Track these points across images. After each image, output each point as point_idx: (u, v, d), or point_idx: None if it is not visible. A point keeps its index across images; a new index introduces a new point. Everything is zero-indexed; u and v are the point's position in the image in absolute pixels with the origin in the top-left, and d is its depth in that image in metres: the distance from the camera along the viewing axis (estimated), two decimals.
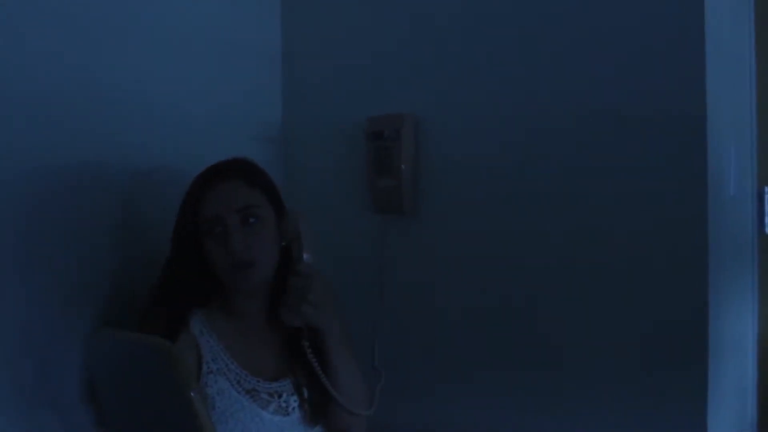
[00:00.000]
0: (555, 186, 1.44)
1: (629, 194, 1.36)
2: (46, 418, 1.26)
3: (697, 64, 1.30)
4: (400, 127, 1.59)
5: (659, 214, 1.33)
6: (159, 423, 1.10)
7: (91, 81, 1.35)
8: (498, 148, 1.51)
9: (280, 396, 1.27)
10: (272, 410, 1.25)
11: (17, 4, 1.22)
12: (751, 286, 1.68)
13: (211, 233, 1.26)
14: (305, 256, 1.28)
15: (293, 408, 1.27)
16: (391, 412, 1.38)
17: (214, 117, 1.62)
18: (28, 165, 1.24)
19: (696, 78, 1.30)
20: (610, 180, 1.38)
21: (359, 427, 1.35)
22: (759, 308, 1.71)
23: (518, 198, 1.48)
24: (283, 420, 1.26)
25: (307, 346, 1.27)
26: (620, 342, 1.37)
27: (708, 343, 1.29)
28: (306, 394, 1.30)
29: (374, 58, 1.69)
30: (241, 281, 1.27)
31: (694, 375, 1.30)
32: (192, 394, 0.97)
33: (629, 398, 1.36)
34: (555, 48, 1.44)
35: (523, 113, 1.48)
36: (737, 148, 1.55)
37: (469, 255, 1.55)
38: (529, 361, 1.47)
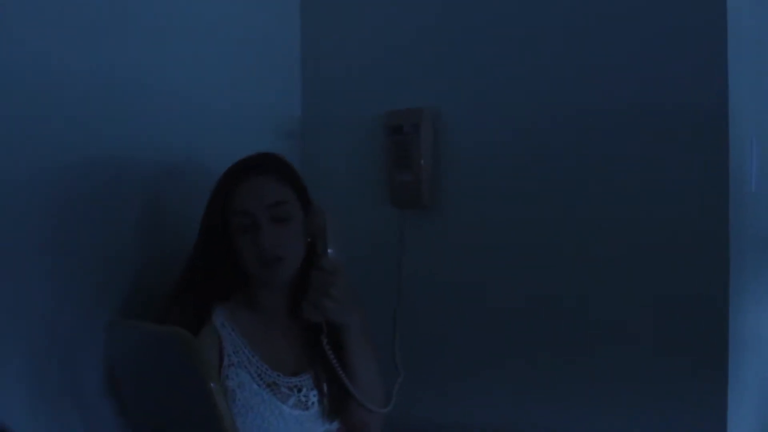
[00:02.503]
0: (574, 179, 1.43)
1: (649, 190, 1.35)
2: (69, 409, 1.28)
3: (718, 57, 1.29)
4: (419, 122, 1.59)
5: (680, 209, 1.32)
6: (179, 414, 1.11)
7: (118, 80, 1.36)
8: (517, 142, 1.51)
9: (300, 390, 1.27)
10: (292, 404, 1.25)
11: (45, 4, 1.24)
12: None
13: (241, 227, 1.27)
14: (329, 251, 1.28)
15: (313, 402, 1.28)
16: (408, 405, 1.39)
17: (235, 113, 1.63)
18: (55, 161, 1.26)
19: (717, 72, 1.29)
20: (628, 174, 1.37)
21: (376, 424, 1.36)
22: None
23: (537, 191, 1.48)
24: (303, 414, 1.26)
25: (325, 342, 1.28)
26: (639, 337, 1.36)
27: (728, 338, 1.29)
28: (326, 389, 1.30)
29: (393, 52, 1.69)
30: (269, 276, 1.28)
31: (715, 370, 1.29)
32: (212, 385, 0.97)
33: (648, 394, 1.35)
34: (574, 39, 1.44)
35: (542, 105, 1.47)
36: (759, 143, 1.53)
37: (488, 249, 1.55)
38: (548, 356, 1.47)
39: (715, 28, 1.29)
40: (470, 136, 1.58)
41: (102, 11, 1.34)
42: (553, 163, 1.46)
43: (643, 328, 1.36)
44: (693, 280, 1.31)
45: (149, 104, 1.43)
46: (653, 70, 1.35)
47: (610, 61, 1.40)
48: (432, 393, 1.60)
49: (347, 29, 1.78)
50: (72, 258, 1.29)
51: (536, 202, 1.48)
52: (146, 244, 1.42)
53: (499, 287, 1.53)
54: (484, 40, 1.55)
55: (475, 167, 1.57)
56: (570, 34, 1.44)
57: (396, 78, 1.68)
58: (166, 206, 1.47)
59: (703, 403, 1.30)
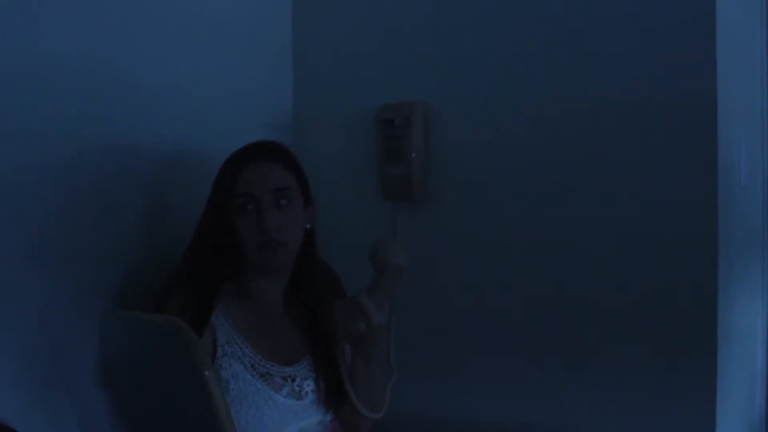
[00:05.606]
0: (564, 173, 1.44)
1: (639, 185, 1.36)
2: (61, 400, 1.28)
3: (707, 53, 1.30)
4: (410, 115, 1.59)
5: (669, 203, 1.33)
6: (174, 403, 1.11)
7: (115, 74, 1.38)
8: (508, 136, 1.51)
9: (293, 380, 1.28)
10: (285, 394, 1.26)
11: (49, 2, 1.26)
12: (761, 276, 1.68)
13: (242, 209, 1.27)
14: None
15: (306, 392, 1.28)
16: (403, 401, 1.39)
17: (227, 106, 1.63)
18: (52, 153, 1.26)
19: (706, 67, 1.30)
20: (619, 169, 1.38)
21: (367, 423, 1.36)
22: None
23: (528, 185, 1.49)
24: (297, 404, 1.27)
25: (346, 350, 1.31)
26: (629, 331, 1.37)
27: (717, 332, 1.30)
28: (320, 378, 1.31)
29: (384, 46, 1.69)
30: (268, 259, 1.29)
31: (703, 364, 1.30)
32: (207, 374, 0.97)
33: (637, 387, 1.36)
34: (564, 36, 1.44)
35: (534, 101, 1.48)
36: (748, 137, 1.55)
37: (480, 242, 1.55)
38: (540, 350, 1.48)
39: (703, 25, 1.30)
40: (461, 130, 1.58)
41: (102, 10, 1.35)
42: (543, 158, 1.47)
43: (632, 325, 1.37)
44: (682, 275, 1.32)
45: (144, 98, 1.44)
46: (642, 67, 1.36)
47: (600, 58, 1.40)
48: (426, 388, 1.60)
49: (339, 23, 1.78)
50: (68, 249, 1.29)
51: (526, 196, 1.49)
52: (142, 234, 1.43)
53: (491, 281, 1.53)
54: (476, 34, 1.56)
55: (466, 161, 1.57)
56: (560, 31, 1.45)
57: (387, 72, 1.68)
58: (163, 198, 1.48)
59: (693, 394, 1.31)
